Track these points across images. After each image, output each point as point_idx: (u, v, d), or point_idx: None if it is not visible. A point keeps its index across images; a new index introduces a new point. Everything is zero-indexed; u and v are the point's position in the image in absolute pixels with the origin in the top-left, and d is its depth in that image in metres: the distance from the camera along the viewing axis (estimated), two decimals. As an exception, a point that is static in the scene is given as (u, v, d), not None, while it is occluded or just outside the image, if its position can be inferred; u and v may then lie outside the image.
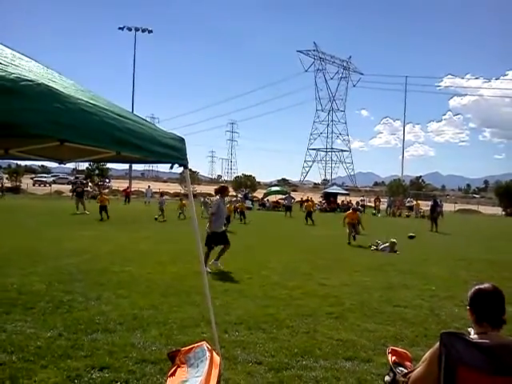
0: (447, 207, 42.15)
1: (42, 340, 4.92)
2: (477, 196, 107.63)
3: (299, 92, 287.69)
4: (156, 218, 22.43)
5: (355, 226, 16.57)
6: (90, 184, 48.96)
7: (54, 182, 62.57)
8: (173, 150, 3.53)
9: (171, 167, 3.85)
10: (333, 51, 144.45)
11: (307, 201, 32.38)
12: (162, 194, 27.81)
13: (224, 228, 10.50)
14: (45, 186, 58.37)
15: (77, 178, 58.25)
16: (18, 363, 4.31)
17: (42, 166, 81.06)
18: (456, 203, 59.46)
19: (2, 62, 2.22)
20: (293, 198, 35.35)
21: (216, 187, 11.12)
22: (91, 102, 2.52)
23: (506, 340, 2.37)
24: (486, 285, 2.53)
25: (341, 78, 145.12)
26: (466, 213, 50.74)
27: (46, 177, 68.36)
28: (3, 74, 2.07)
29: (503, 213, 50.11)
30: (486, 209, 55.42)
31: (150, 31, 63.30)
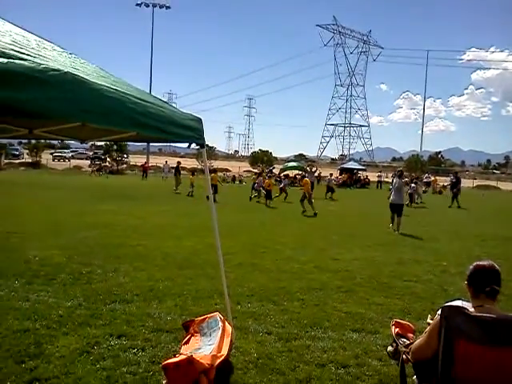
0: (465, 183, 41.72)
1: (63, 309, 5.19)
2: (497, 172, 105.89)
3: (318, 67, 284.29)
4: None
5: None
6: (108, 159, 49.42)
7: (73, 157, 63.34)
8: (190, 131, 3.69)
9: (189, 146, 4.03)
10: (352, 25, 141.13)
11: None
12: (178, 164, 27.40)
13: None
14: (64, 161, 59.15)
15: (95, 153, 58.89)
16: (41, 330, 4.57)
17: (62, 140, 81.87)
18: (475, 179, 58.72)
19: (31, 54, 2.38)
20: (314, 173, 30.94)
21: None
22: (113, 87, 2.68)
23: (500, 314, 2.50)
24: (484, 262, 2.66)
25: (360, 52, 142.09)
26: (484, 189, 50.08)
27: (65, 152, 69.15)
28: (33, 65, 2.23)
29: (523, 189, 49.40)
30: (506, 185, 54.60)
31: (168, 7, 62.85)
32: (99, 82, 2.62)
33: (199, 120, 3.93)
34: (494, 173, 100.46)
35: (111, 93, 2.66)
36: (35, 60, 2.33)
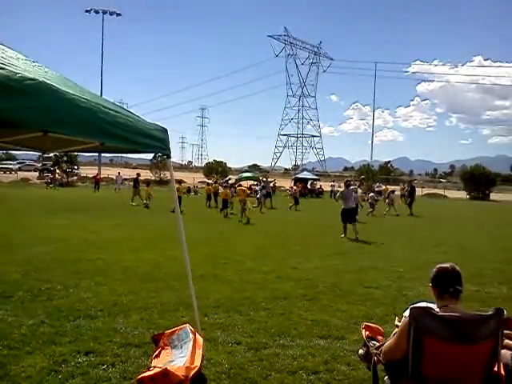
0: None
1: (25, 327, 5.01)
2: (443, 180, 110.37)
3: (270, 77, 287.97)
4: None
5: None
6: (58, 171, 47.90)
7: (20, 170, 60.99)
8: (157, 141, 3.70)
9: (154, 156, 4.04)
10: (303, 36, 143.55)
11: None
12: (138, 176, 27.28)
13: None
14: (10, 173, 56.83)
15: (44, 164, 56.92)
16: (3, 350, 4.40)
17: (7, 152, 78.45)
18: (423, 187, 60.89)
19: (3, 63, 2.34)
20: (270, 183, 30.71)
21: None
22: (84, 97, 2.66)
23: (464, 313, 2.68)
24: (446, 264, 2.86)
25: (311, 63, 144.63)
26: (432, 197, 52.11)
27: (11, 164, 66.42)
28: (9, 74, 2.21)
29: (467, 197, 51.73)
30: (452, 193, 56.99)
31: (119, 14, 61.73)
32: (71, 92, 2.62)
33: (165, 130, 3.94)
34: (440, 181, 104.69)
35: (83, 102, 2.66)
36: (8, 68, 2.30)
